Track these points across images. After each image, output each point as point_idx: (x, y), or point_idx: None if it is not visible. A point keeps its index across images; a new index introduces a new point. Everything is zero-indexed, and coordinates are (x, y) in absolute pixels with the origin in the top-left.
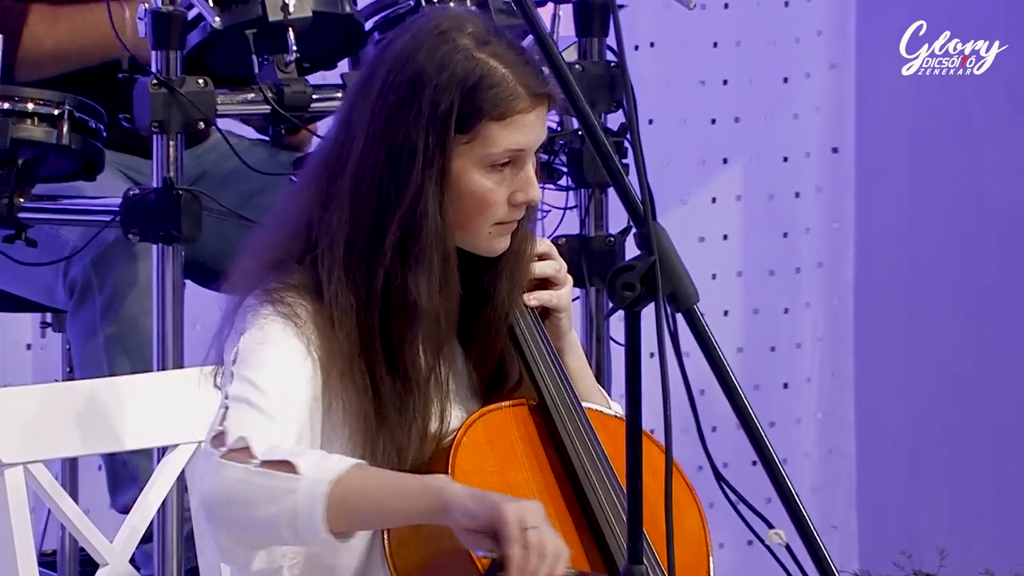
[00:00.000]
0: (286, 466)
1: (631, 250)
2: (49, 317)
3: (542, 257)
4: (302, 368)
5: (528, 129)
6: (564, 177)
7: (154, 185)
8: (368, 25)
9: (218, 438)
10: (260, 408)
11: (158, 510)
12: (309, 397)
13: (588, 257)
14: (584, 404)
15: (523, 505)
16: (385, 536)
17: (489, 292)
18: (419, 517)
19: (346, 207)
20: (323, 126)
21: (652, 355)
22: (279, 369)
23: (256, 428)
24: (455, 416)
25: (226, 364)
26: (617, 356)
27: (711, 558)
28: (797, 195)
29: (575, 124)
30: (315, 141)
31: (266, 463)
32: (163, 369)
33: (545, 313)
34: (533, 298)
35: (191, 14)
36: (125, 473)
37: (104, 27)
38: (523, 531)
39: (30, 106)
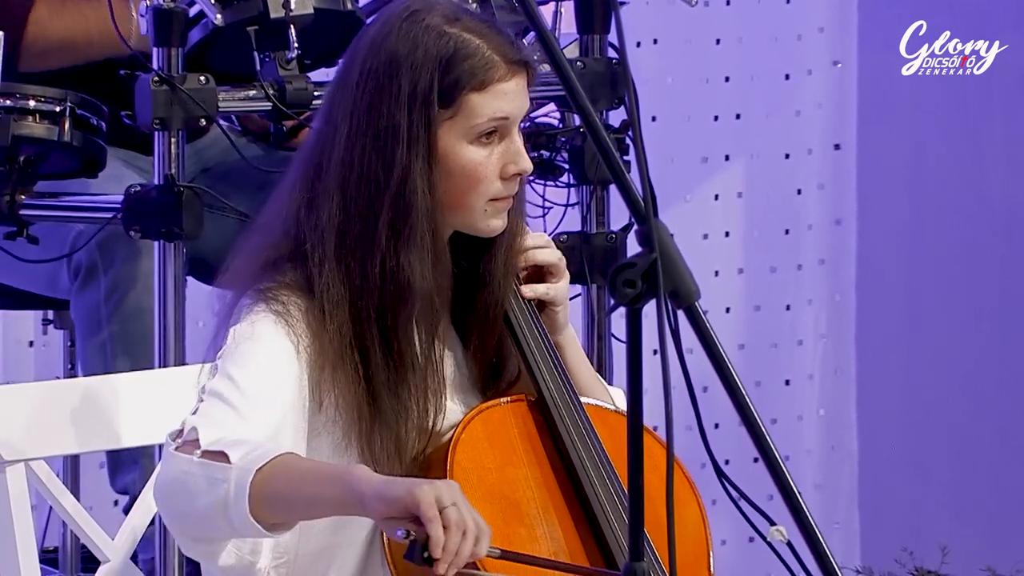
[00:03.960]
0: (220, 456)
1: (632, 247)
2: (51, 314)
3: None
4: (288, 368)
5: (510, 97)
6: (566, 174)
7: (156, 182)
8: (369, 22)
9: (179, 432)
10: (233, 405)
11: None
12: (294, 398)
13: (589, 254)
14: (583, 399)
15: (438, 485)
16: (385, 536)
17: (484, 278)
18: (337, 507)
19: (336, 198)
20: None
21: (654, 352)
22: (263, 367)
23: (216, 422)
24: (454, 410)
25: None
26: (619, 353)
27: (712, 554)
28: (799, 192)
29: (577, 121)
30: None
31: (206, 453)
32: (165, 366)
33: (541, 306)
34: (529, 289)
35: (193, 11)
36: (126, 455)
37: (110, 23)
38: (441, 510)
39: (32, 103)
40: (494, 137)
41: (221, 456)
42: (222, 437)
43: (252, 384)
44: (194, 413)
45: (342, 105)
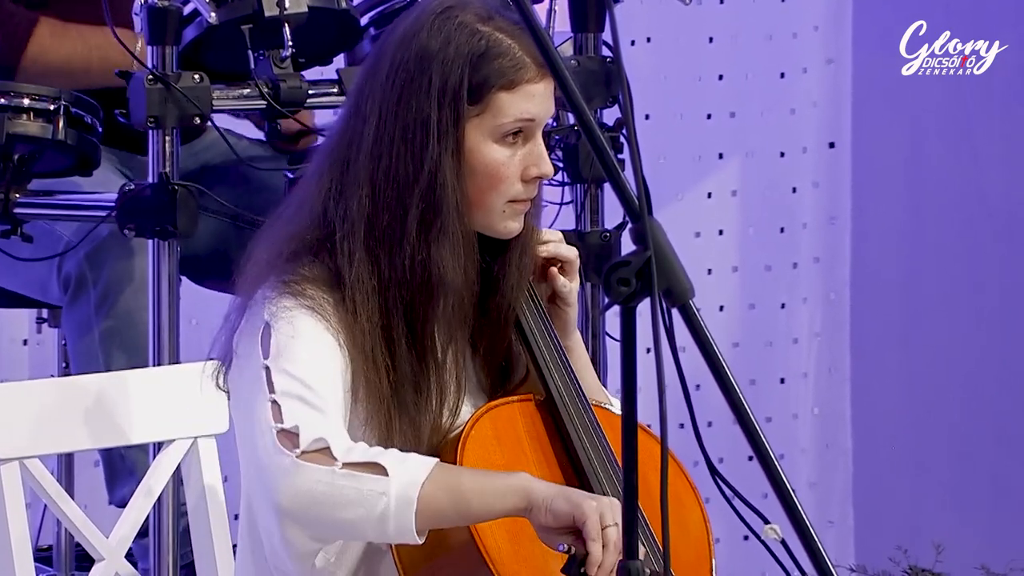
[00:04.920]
0: (371, 468)
1: (627, 245)
2: (45, 313)
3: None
4: (334, 360)
5: (537, 99)
6: (560, 172)
7: (150, 180)
8: (364, 20)
9: (286, 436)
10: (311, 403)
11: (154, 505)
12: (343, 388)
13: (584, 252)
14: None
15: (603, 503)
16: None
17: (497, 280)
18: (503, 515)
19: (365, 189)
20: (321, 116)
21: (648, 350)
22: (317, 362)
23: (318, 425)
24: (464, 411)
25: (240, 357)
26: (613, 351)
27: (713, 558)
28: (794, 190)
29: (571, 119)
30: (319, 141)
31: (348, 464)
32: (159, 364)
33: (552, 301)
34: (549, 273)
35: (187, 9)
36: (123, 467)
37: (114, 51)
38: (604, 528)
39: (26, 101)
40: (519, 138)
41: (369, 467)
42: (353, 446)
43: (315, 380)
44: (283, 417)
45: (371, 97)
